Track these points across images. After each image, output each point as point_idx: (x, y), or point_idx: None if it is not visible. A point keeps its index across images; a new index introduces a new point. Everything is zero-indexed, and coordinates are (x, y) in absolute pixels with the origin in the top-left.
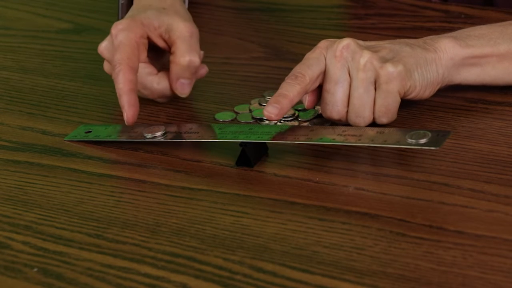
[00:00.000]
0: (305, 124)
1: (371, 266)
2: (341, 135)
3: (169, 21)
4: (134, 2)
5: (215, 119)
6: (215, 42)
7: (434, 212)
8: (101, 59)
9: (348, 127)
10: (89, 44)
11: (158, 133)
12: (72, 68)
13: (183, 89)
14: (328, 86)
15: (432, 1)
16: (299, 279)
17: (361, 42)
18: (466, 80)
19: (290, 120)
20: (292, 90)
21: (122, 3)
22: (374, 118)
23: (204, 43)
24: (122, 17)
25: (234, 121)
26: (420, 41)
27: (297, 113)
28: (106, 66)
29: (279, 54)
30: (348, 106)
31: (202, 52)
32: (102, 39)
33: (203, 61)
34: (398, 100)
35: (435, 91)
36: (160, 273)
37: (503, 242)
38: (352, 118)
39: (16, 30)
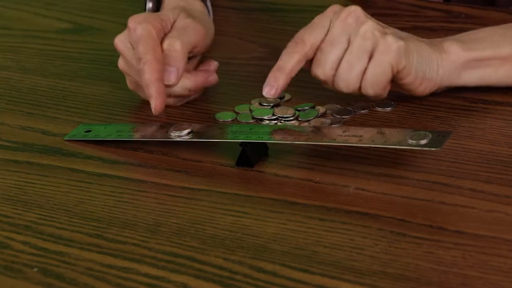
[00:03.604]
0: (305, 124)
1: (371, 266)
2: (341, 135)
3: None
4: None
5: (215, 119)
6: (215, 42)
7: (434, 212)
8: (100, 59)
9: (348, 127)
10: (89, 44)
11: (184, 132)
12: (72, 68)
13: (168, 76)
14: (323, 45)
15: (434, 0)
16: (299, 279)
17: (370, 16)
18: (468, 82)
19: (290, 120)
20: (291, 60)
21: (148, 8)
22: (360, 88)
23: None
24: None
25: (234, 121)
26: (426, 39)
27: (297, 113)
28: (121, 63)
29: (279, 54)
30: (336, 69)
31: (216, 63)
32: (102, 39)
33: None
34: (389, 74)
35: (431, 91)
36: (160, 273)
37: (503, 242)
38: (337, 80)
39: (16, 30)
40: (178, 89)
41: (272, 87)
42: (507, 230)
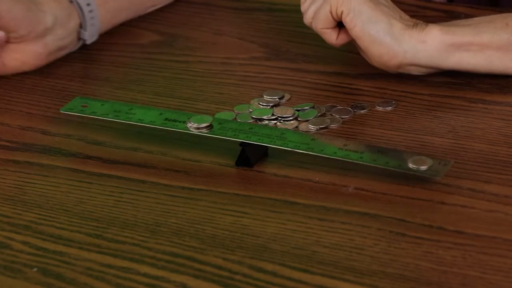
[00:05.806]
0: (305, 123)
1: (371, 266)
2: (342, 149)
3: None
4: None
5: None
6: (215, 42)
7: (434, 212)
8: (100, 59)
9: (349, 141)
10: (89, 44)
11: (204, 124)
12: (72, 68)
13: None
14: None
15: (436, 1)
16: (299, 279)
17: None
18: (443, 65)
19: (290, 120)
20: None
21: None
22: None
23: (204, 43)
24: None
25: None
26: (407, 17)
27: (296, 113)
28: None
29: (279, 54)
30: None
31: (2, 33)
32: (103, 39)
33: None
34: (327, 12)
35: (397, 65)
36: (160, 273)
37: (503, 242)
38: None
39: None
40: None
41: None
42: (507, 230)
